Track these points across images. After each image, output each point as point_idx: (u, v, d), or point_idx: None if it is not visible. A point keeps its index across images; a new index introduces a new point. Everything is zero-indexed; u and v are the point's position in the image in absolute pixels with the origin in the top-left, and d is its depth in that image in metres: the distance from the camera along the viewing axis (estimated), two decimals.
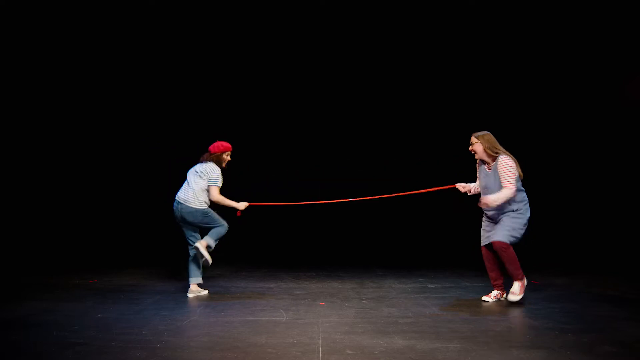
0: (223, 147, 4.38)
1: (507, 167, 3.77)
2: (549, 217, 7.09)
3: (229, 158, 4.45)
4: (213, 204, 4.35)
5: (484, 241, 4.05)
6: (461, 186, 4.19)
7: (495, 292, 4.08)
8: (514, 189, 3.76)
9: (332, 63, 7.51)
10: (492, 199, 3.78)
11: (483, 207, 3.93)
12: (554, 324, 3.28)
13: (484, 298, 4.09)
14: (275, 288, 4.68)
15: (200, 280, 4.38)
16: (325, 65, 7.54)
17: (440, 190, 4.31)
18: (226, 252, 5.31)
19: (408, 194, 4.61)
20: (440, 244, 7.64)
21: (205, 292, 4.42)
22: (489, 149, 3.87)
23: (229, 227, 4.35)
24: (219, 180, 4.25)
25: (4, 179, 7.06)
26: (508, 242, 3.77)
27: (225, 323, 3.29)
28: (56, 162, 7.57)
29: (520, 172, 3.86)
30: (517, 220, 3.82)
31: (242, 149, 7.90)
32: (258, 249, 7.32)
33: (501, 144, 3.93)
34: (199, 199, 4.25)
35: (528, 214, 3.88)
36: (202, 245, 4.16)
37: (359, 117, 8.02)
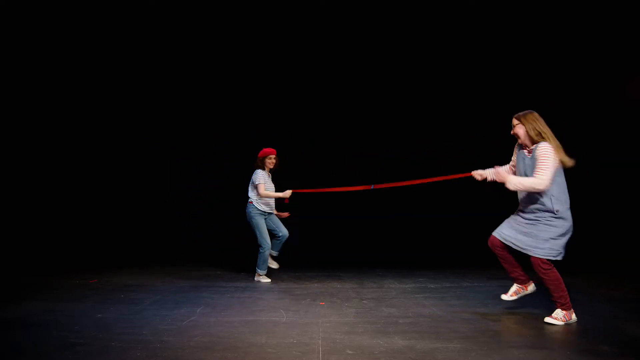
0: (262, 153, 5.09)
1: (546, 153, 3.18)
2: None
3: (272, 161, 5.10)
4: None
5: (500, 234, 3.47)
6: (478, 174, 3.66)
7: (514, 287, 3.61)
8: (547, 182, 3.16)
9: (334, 60, 7.52)
10: (515, 181, 3.25)
11: (498, 180, 3.40)
12: (554, 323, 3.28)
13: (503, 296, 3.63)
14: (275, 288, 4.68)
15: (275, 253, 5.30)
16: (328, 62, 7.54)
17: (457, 179, 3.91)
18: (226, 252, 5.31)
19: (422, 182, 4.43)
20: (441, 243, 7.64)
21: (276, 265, 5.35)
22: (533, 130, 3.28)
23: (269, 249, 5.06)
24: (259, 179, 4.95)
25: (4, 179, 7.06)
26: (548, 259, 3.25)
27: (225, 323, 3.29)
28: (56, 162, 7.57)
29: (566, 160, 3.24)
30: (555, 230, 3.25)
31: (241, 149, 7.93)
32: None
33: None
34: (249, 199, 5.08)
35: (564, 223, 3.26)
36: (257, 278, 5.10)
37: (374, 111, 7.99)
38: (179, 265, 6.11)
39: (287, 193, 4.96)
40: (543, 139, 3.25)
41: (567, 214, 3.27)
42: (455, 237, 7.52)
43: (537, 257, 3.26)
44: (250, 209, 5.03)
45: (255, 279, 5.11)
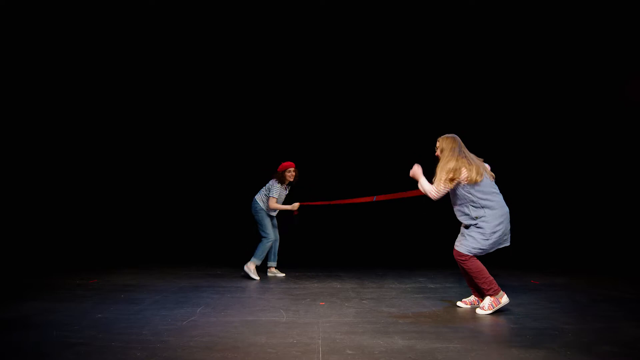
0: (281, 167, 5.24)
1: (445, 168, 3.49)
2: (548, 217, 7.10)
3: (291, 174, 5.24)
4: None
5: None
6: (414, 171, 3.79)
7: (472, 298, 3.83)
8: (436, 194, 3.51)
9: (335, 62, 7.53)
10: (422, 181, 3.62)
11: (414, 175, 3.69)
12: (554, 324, 3.28)
13: (458, 303, 3.83)
14: (275, 288, 4.68)
15: (274, 264, 5.42)
16: (325, 65, 7.55)
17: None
18: (226, 252, 5.33)
19: (382, 200, 4.63)
20: (440, 244, 7.64)
21: (282, 274, 5.38)
22: (443, 151, 3.61)
23: (272, 240, 5.24)
24: (273, 192, 5.18)
25: (4, 179, 7.06)
26: (466, 253, 3.52)
27: (225, 323, 3.29)
28: (56, 162, 7.57)
29: (480, 177, 3.47)
30: (479, 231, 3.50)
31: (240, 149, 7.94)
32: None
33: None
34: (258, 199, 5.29)
35: (493, 223, 3.46)
36: (249, 267, 5.16)
37: (359, 116, 8.01)
38: (179, 265, 6.11)
39: (295, 205, 5.23)
40: (449, 159, 3.51)
41: (490, 217, 3.47)
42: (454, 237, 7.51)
43: (457, 250, 3.57)
44: (256, 205, 5.25)
45: (246, 267, 5.17)
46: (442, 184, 3.50)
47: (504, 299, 3.55)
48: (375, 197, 4.93)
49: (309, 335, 2.99)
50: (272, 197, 5.17)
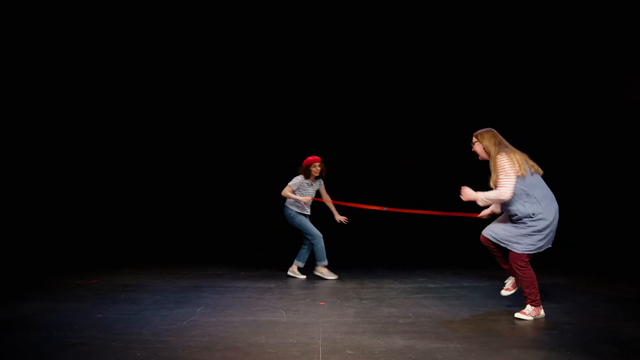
0: (306, 161, 5.18)
1: (501, 165, 3.34)
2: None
3: (316, 169, 5.15)
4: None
5: (485, 230, 3.60)
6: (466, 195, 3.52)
7: (511, 281, 3.72)
8: (508, 191, 3.30)
9: (338, 65, 7.52)
10: (482, 196, 3.39)
11: (466, 198, 3.48)
12: (554, 324, 3.29)
13: (503, 292, 3.73)
14: (275, 288, 4.68)
15: (301, 264, 5.32)
16: (329, 67, 7.54)
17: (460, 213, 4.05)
18: (227, 252, 5.32)
19: (425, 214, 4.66)
20: (440, 244, 7.64)
21: (303, 277, 5.22)
22: (487, 147, 3.48)
23: (320, 237, 5.17)
24: (292, 181, 5.16)
25: (4, 179, 7.06)
26: (525, 253, 3.36)
27: (225, 323, 3.29)
28: (56, 162, 7.56)
29: (530, 169, 3.37)
30: (535, 227, 3.34)
31: (240, 149, 7.93)
32: (258, 249, 7.31)
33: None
34: (286, 204, 5.28)
35: (548, 220, 3.34)
36: (320, 271, 5.20)
37: (371, 118, 7.97)
38: (179, 265, 6.11)
39: (306, 198, 5.14)
40: (498, 153, 3.40)
41: (546, 213, 3.36)
42: (454, 237, 7.51)
43: (515, 252, 3.40)
44: (289, 211, 5.21)
45: (317, 272, 5.20)
46: (508, 179, 3.30)
47: (542, 313, 3.48)
48: (385, 208, 4.95)
49: (309, 335, 2.99)
50: (289, 185, 5.12)
